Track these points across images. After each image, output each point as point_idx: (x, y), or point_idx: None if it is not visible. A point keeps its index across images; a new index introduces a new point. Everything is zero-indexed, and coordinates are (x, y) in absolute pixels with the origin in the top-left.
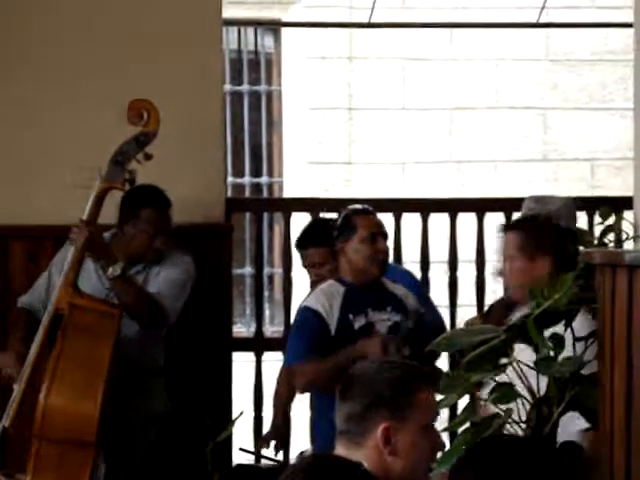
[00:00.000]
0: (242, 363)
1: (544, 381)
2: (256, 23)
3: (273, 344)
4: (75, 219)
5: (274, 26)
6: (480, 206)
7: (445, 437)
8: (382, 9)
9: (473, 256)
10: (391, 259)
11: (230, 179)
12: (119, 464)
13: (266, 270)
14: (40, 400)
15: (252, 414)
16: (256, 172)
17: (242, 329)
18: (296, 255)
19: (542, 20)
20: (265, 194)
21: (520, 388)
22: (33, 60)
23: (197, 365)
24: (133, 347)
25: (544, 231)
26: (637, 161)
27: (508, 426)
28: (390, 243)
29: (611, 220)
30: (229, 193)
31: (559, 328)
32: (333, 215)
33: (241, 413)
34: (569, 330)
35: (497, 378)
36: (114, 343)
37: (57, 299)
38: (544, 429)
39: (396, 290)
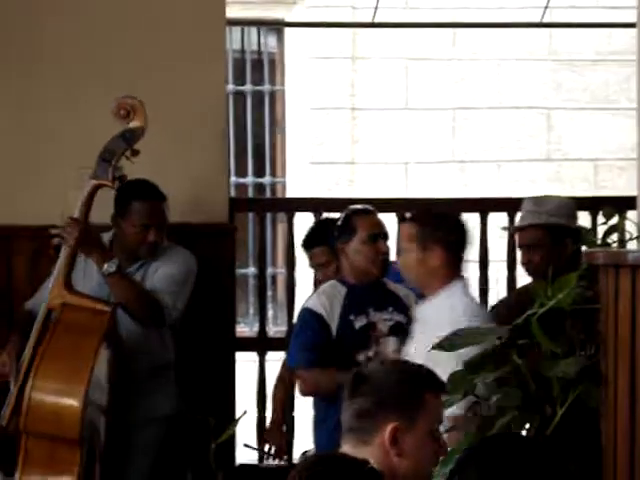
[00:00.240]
0: (245, 363)
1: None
2: (259, 23)
3: (276, 344)
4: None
5: (277, 26)
6: (483, 206)
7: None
8: (385, 9)
9: (476, 256)
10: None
11: (233, 179)
12: (119, 464)
13: (269, 270)
14: (25, 395)
15: (255, 414)
16: (259, 172)
17: (245, 329)
18: (299, 255)
19: (545, 20)
20: (268, 194)
21: None
22: (36, 61)
23: (200, 365)
24: (135, 347)
25: (435, 222)
26: None
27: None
28: (393, 244)
29: (614, 220)
30: (232, 193)
31: None
32: (336, 215)
33: (244, 413)
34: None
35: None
36: (102, 340)
37: (50, 299)
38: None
39: (397, 290)
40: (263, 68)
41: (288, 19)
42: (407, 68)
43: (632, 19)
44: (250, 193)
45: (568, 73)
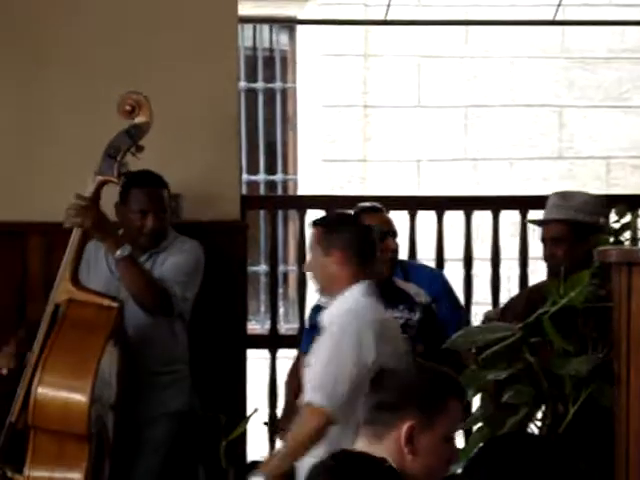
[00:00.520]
0: (256, 360)
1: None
2: (271, 20)
3: (287, 341)
4: None
5: (289, 23)
6: (495, 204)
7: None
8: (397, 6)
9: (488, 254)
10: (406, 257)
11: (245, 176)
12: (129, 461)
13: (281, 268)
14: (32, 390)
15: (266, 411)
16: (271, 169)
17: (256, 326)
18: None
19: (558, 17)
20: (280, 191)
21: None
22: (48, 63)
23: (212, 362)
24: (145, 342)
25: (337, 227)
26: None
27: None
28: (405, 241)
29: (627, 218)
30: (244, 190)
31: None
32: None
33: (255, 410)
34: None
35: None
36: (109, 336)
37: (57, 294)
38: (559, 427)
39: (407, 288)
40: (275, 65)
41: (300, 16)
42: (419, 66)
43: None
44: (262, 190)
45: (581, 71)
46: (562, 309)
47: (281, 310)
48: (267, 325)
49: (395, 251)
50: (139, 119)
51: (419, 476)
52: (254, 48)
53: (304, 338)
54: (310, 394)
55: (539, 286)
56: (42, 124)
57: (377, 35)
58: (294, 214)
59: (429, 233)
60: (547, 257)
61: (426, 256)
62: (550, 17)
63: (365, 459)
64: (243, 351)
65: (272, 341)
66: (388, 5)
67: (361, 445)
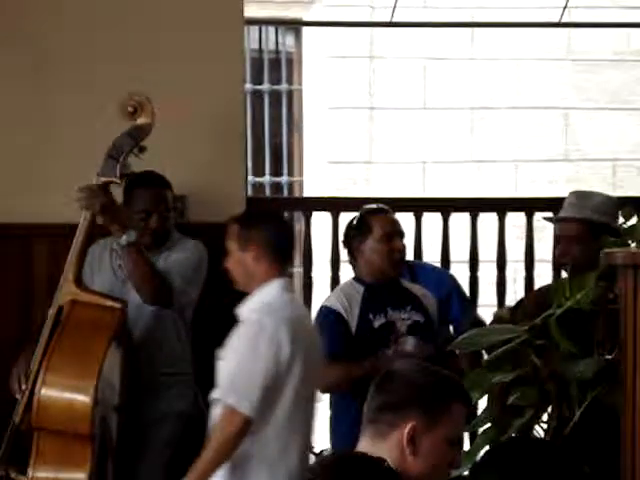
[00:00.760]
0: None
1: None
2: (277, 22)
3: None
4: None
5: (295, 25)
6: (501, 206)
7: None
8: (403, 8)
9: (494, 256)
10: (412, 259)
11: (250, 178)
12: (133, 462)
13: None
14: (36, 392)
15: None
16: (276, 171)
17: None
18: (316, 254)
19: (564, 20)
20: (285, 193)
21: None
22: (51, 63)
23: (215, 363)
24: (151, 342)
25: (254, 223)
26: None
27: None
28: (410, 243)
29: (633, 220)
30: (249, 192)
31: None
32: (354, 214)
33: None
34: None
35: None
36: (113, 337)
37: (60, 296)
38: (565, 430)
39: (414, 289)
40: (281, 67)
41: (306, 18)
42: (425, 68)
43: None
44: (267, 192)
45: (586, 73)
46: (569, 311)
47: None
48: None
49: (402, 252)
50: (141, 120)
51: (419, 477)
52: (260, 50)
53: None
54: (227, 395)
55: (551, 287)
56: (46, 127)
57: (383, 37)
58: (300, 216)
59: (434, 235)
60: (560, 255)
61: (432, 258)
62: (556, 19)
63: (364, 459)
64: None
65: None
66: (394, 7)
67: (364, 444)
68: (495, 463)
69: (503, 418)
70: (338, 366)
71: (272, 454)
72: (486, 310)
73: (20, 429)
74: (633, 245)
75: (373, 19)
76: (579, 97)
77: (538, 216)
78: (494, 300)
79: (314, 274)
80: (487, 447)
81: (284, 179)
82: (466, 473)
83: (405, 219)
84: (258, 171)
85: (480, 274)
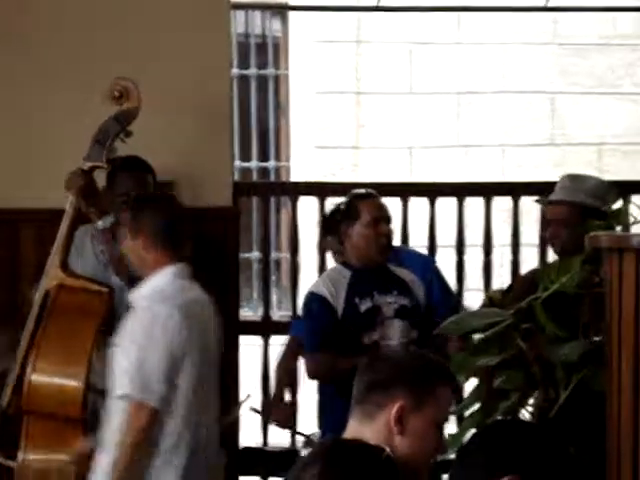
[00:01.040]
0: (249, 347)
1: None
2: (264, 7)
3: (280, 328)
4: None
5: (281, 10)
6: (488, 190)
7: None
8: None
9: (480, 240)
10: (399, 243)
11: (237, 163)
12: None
13: (273, 254)
14: (26, 376)
15: (259, 397)
16: (263, 156)
17: (249, 313)
18: (303, 239)
19: (550, 4)
20: (272, 178)
21: None
22: (36, 47)
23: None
24: None
25: (142, 209)
26: None
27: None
28: (398, 227)
29: (619, 204)
30: (236, 177)
31: None
32: (341, 199)
33: (248, 396)
34: None
35: None
36: (101, 321)
37: (47, 280)
38: (550, 412)
39: (402, 274)
40: (267, 52)
41: (292, 3)
42: (411, 52)
43: (637, 3)
44: (254, 177)
45: (573, 57)
46: (554, 294)
47: (274, 297)
48: (260, 312)
49: (389, 237)
50: (127, 105)
51: (406, 458)
52: (246, 35)
53: (294, 325)
54: (130, 390)
55: (538, 270)
56: (34, 112)
57: (369, 22)
58: (286, 201)
59: (421, 220)
60: (550, 238)
61: (418, 243)
62: (542, 3)
63: (362, 447)
64: (236, 337)
65: (265, 327)
66: None
67: (352, 426)
68: (482, 446)
69: (489, 401)
70: (326, 356)
71: (165, 447)
72: (473, 294)
73: (8, 414)
74: (618, 229)
75: (359, 3)
76: (565, 81)
77: (524, 200)
78: (481, 284)
79: (301, 259)
80: (473, 430)
81: (271, 164)
82: (452, 456)
83: (392, 204)
84: (245, 156)
85: (467, 258)
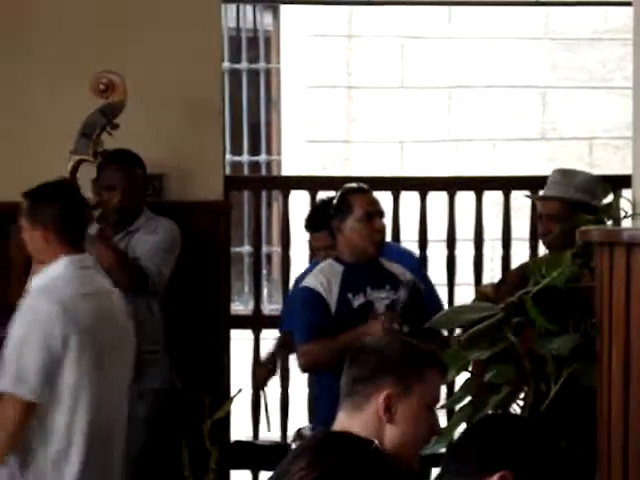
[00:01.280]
0: (240, 341)
1: None
2: (255, 0)
3: (271, 322)
4: None
5: (273, 3)
6: (478, 184)
7: (443, 415)
8: None
9: (471, 234)
10: (389, 237)
11: (228, 157)
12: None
13: (264, 248)
14: None
15: (250, 391)
16: (255, 150)
17: (240, 307)
18: (294, 233)
19: None
20: (264, 172)
21: None
22: (30, 42)
23: (195, 343)
24: None
25: (39, 199)
26: (636, 140)
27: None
28: (388, 222)
29: (609, 198)
30: (227, 171)
31: None
32: (332, 193)
33: (239, 390)
34: None
35: None
36: None
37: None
38: (541, 406)
39: (394, 269)
40: (259, 46)
41: None
42: (403, 46)
43: None
44: (245, 171)
45: (564, 52)
46: (545, 289)
47: (265, 291)
48: (251, 305)
49: (382, 231)
50: (113, 97)
51: (398, 446)
52: (238, 28)
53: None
54: (6, 384)
55: (529, 264)
56: (24, 106)
57: (361, 16)
58: (278, 195)
59: (412, 214)
60: (542, 234)
61: (409, 237)
62: None
63: (351, 440)
64: (227, 331)
65: (256, 321)
66: None
67: (342, 417)
68: (474, 440)
69: (480, 395)
70: (315, 343)
71: (57, 447)
72: (464, 289)
73: None
74: (609, 223)
75: None
76: (557, 76)
77: (515, 195)
78: (471, 279)
79: (292, 253)
80: (464, 425)
81: (262, 158)
82: (443, 450)
83: (383, 198)
84: (236, 150)
85: (457, 252)
